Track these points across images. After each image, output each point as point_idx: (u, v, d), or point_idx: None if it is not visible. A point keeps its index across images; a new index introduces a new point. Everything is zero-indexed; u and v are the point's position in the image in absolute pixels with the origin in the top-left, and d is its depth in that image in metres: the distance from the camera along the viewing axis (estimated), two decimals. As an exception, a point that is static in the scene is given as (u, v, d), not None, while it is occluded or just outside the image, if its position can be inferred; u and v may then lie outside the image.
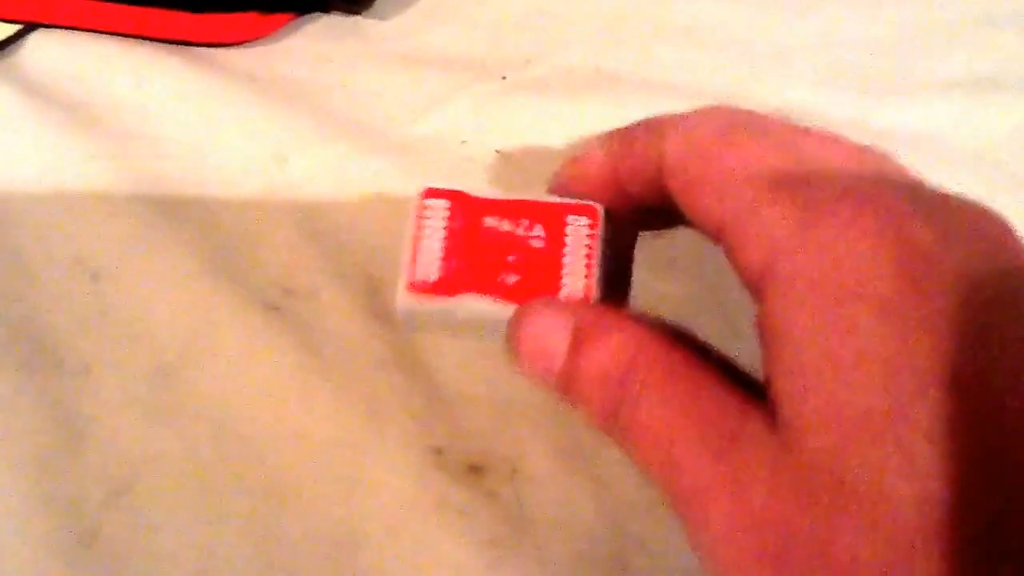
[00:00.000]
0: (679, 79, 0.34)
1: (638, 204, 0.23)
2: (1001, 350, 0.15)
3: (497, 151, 0.32)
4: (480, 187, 0.24)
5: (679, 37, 0.35)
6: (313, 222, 0.29)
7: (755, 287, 0.18)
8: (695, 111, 0.21)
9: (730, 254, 0.19)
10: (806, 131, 0.21)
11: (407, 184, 0.24)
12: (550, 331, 0.21)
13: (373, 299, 0.29)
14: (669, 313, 0.28)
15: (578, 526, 0.25)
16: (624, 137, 0.22)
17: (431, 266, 0.23)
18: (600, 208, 0.23)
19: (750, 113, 0.21)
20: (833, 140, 0.21)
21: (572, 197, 0.23)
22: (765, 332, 0.17)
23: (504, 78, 0.33)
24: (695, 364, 0.19)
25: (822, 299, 0.16)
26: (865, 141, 0.32)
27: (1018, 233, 0.18)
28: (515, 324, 0.22)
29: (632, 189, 0.23)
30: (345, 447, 0.26)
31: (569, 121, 0.33)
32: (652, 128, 0.21)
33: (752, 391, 0.18)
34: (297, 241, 0.29)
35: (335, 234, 0.29)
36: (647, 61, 0.34)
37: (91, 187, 0.29)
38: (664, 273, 0.29)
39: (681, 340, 0.20)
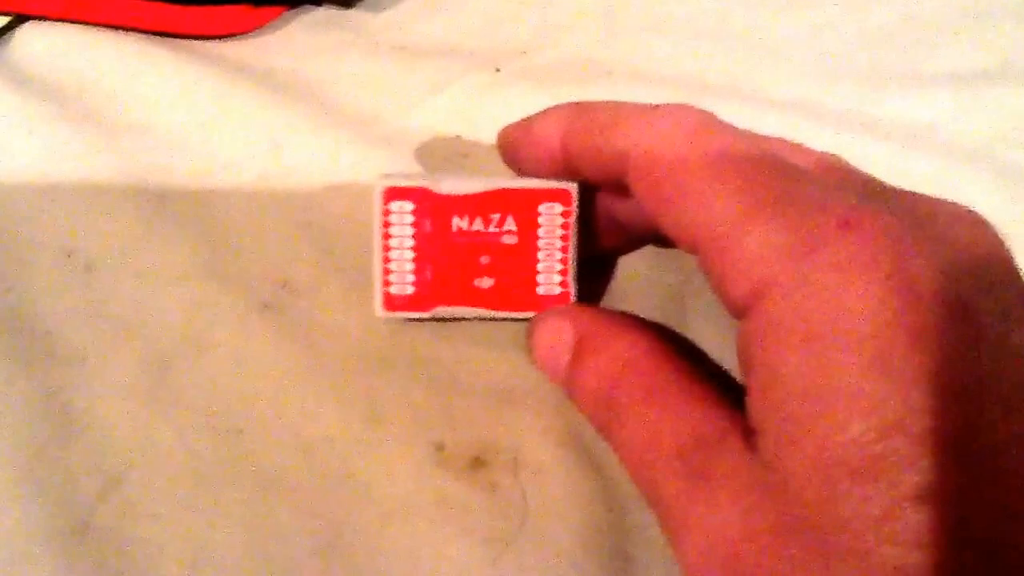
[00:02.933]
0: (675, 72, 0.34)
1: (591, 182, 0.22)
2: (999, 411, 0.15)
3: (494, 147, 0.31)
4: (445, 176, 0.23)
5: (675, 29, 0.35)
6: (308, 213, 0.29)
7: (738, 310, 0.17)
8: (661, 109, 0.20)
9: (710, 272, 0.18)
10: (766, 137, 0.21)
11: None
12: (556, 341, 0.21)
13: (369, 293, 0.28)
14: (668, 303, 0.29)
15: (581, 517, 0.25)
16: (583, 119, 0.21)
17: (404, 279, 0.23)
18: (574, 190, 0.22)
19: (713, 115, 0.20)
20: (797, 146, 0.21)
21: (538, 178, 0.23)
22: (750, 359, 0.17)
23: (498, 70, 0.33)
24: (681, 380, 0.19)
25: (815, 345, 0.16)
26: (864, 133, 0.32)
27: (1005, 242, 0.18)
28: (530, 331, 0.23)
29: (584, 172, 0.22)
30: (343, 443, 0.26)
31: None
32: (616, 119, 0.20)
33: (737, 397, 0.18)
34: (293, 233, 0.28)
35: (330, 226, 0.29)
36: (643, 53, 0.34)
37: (83, 178, 0.28)
38: (663, 263, 0.29)
39: (672, 349, 0.20)
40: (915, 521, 0.14)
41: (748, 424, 0.17)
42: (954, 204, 0.18)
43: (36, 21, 0.32)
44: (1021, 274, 0.18)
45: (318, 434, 0.26)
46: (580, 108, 0.22)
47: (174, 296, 0.27)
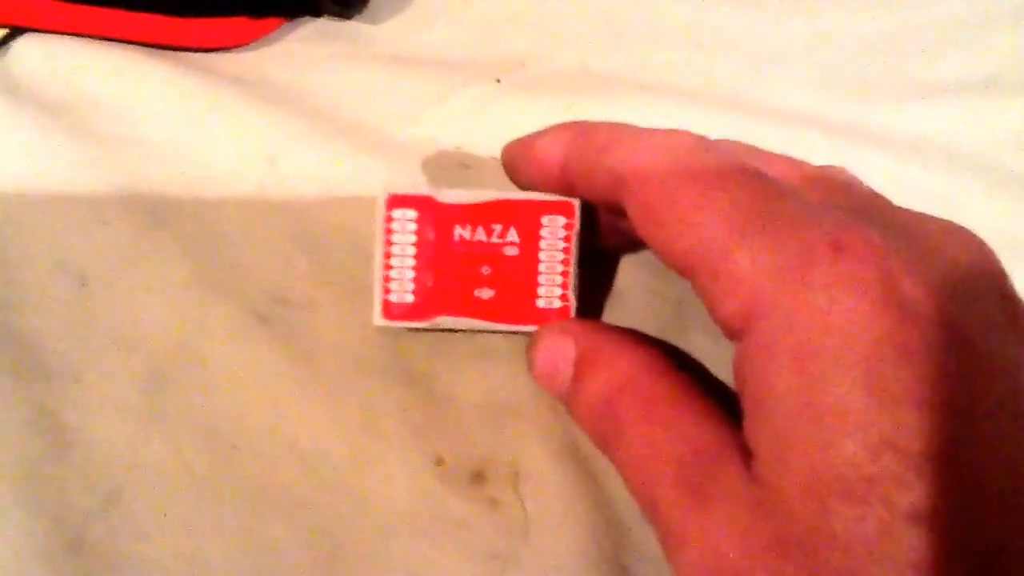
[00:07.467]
0: (675, 81, 0.34)
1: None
2: (986, 427, 0.15)
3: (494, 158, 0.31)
4: (449, 186, 0.23)
5: (675, 39, 0.35)
6: (305, 226, 0.29)
7: (731, 331, 0.18)
8: (656, 133, 0.20)
9: (702, 294, 0.18)
10: (765, 155, 0.21)
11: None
12: (557, 357, 0.22)
13: (366, 306, 0.28)
14: (666, 314, 0.28)
15: (581, 531, 0.25)
16: (582, 140, 0.22)
17: (404, 287, 0.23)
18: (577, 204, 0.23)
19: (706, 138, 0.20)
20: (796, 162, 0.21)
21: (539, 191, 0.23)
22: (744, 380, 0.17)
23: (498, 81, 0.33)
24: (681, 396, 0.19)
25: (806, 365, 0.16)
26: (864, 143, 0.32)
27: (997, 257, 0.18)
28: (530, 346, 0.23)
29: (583, 193, 0.22)
30: (340, 458, 0.26)
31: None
32: (612, 141, 0.21)
33: (737, 413, 0.18)
34: (289, 247, 0.28)
35: (327, 239, 0.28)
36: (642, 63, 0.34)
37: (78, 191, 0.28)
38: (661, 273, 0.28)
39: (673, 364, 0.20)
40: (909, 541, 0.14)
41: (747, 440, 0.17)
42: (946, 221, 0.18)
43: (33, 33, 0.32)
44: (1014, 290, 0.18)
45: (315, 449, 0.26)
46: (580, 129, 0.22)
47: (169, 310, 0.27)
